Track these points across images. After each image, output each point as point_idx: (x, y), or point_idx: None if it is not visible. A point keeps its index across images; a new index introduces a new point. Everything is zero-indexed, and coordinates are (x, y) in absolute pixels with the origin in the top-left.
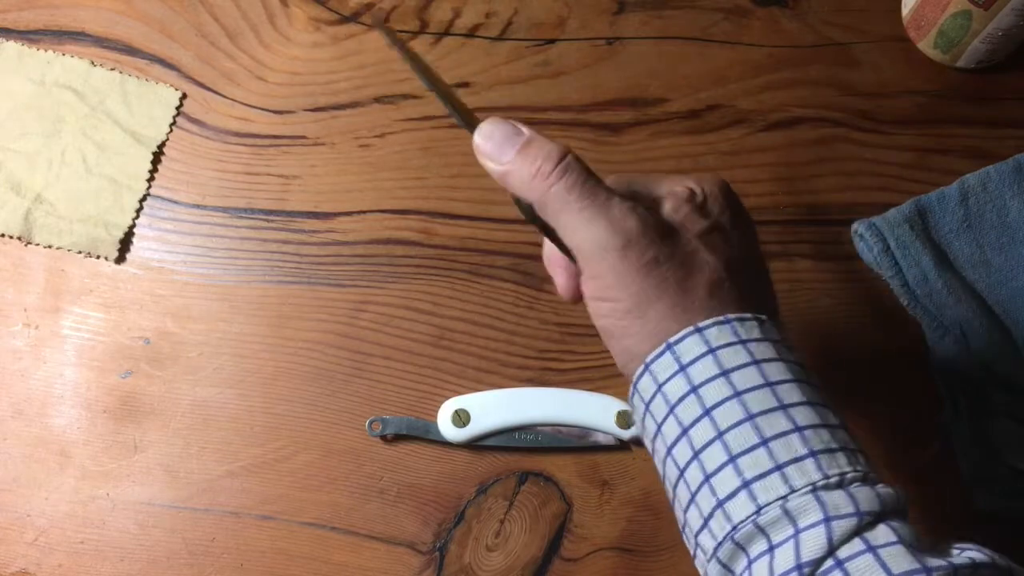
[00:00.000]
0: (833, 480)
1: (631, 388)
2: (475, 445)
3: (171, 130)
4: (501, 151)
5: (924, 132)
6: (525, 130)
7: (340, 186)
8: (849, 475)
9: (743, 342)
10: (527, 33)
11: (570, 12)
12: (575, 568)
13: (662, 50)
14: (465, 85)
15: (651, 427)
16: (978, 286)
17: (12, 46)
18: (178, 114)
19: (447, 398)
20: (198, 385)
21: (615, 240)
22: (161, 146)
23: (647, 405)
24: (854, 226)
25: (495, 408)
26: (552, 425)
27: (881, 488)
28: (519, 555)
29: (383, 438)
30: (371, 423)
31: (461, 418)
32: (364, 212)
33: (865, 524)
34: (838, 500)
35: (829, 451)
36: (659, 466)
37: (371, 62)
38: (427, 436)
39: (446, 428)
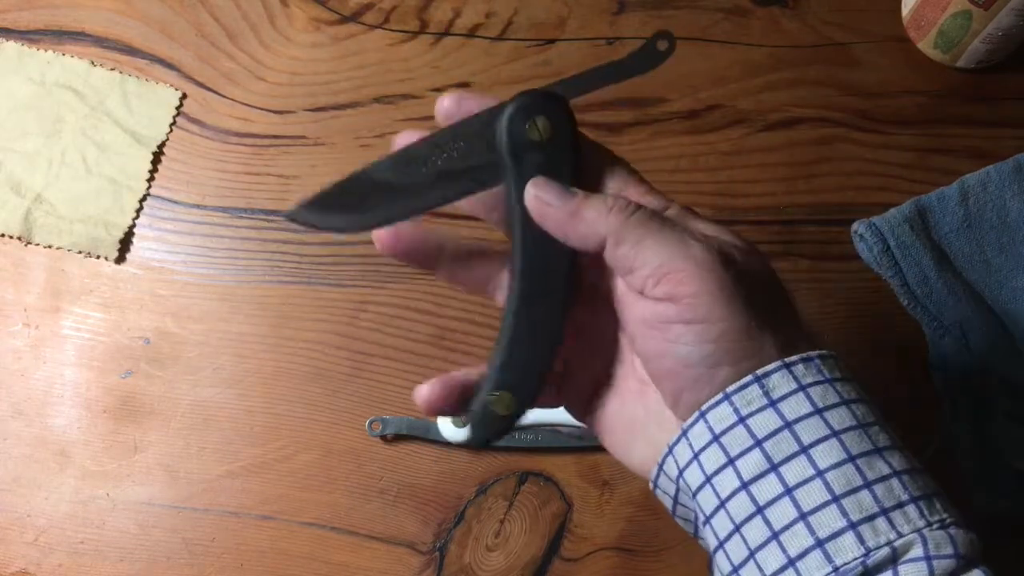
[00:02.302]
0: (935, 526)
1: (695, 417)
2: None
3: (171, 130)
4: (564, 195)
5: (924, 132)
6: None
7: None
8: (947, 520)
9: (829, 381)
10: (527, 33)
11: (570, 12)
12: (575, 568)
13: None
14: (465, 85)
15: (715, 460)
16: (978, 286)
17: (12, 46)
18: (178, 114)
19: None
20: (198, 385)
21: (712, 256)
22: (161, 146)
23: (717, 437)
24: (854, 226)
25: None
26: (552, 425)
27: (970, 532)
28: (519, 555)
29: (383, 438)
30: (371, 423)
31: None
32: None
33: (961, 567)
34: (939, 539)
35: (926, 496)
36: (706, 504)
37: (371, 62)
38: (427, 436)
39: (446, 428)
